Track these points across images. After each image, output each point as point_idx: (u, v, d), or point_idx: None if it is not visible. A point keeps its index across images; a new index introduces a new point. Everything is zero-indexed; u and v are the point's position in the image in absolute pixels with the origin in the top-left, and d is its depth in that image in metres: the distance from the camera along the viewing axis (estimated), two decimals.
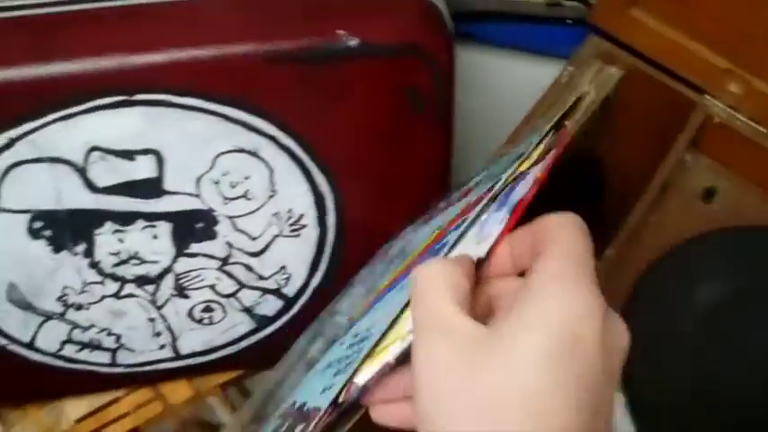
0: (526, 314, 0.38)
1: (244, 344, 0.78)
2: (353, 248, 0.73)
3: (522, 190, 0.46)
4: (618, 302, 0.70)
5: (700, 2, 0.70)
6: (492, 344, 0.37)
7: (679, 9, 0.72)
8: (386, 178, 0.72)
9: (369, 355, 0.45)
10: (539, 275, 0.39)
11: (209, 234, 0.69)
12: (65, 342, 0.72)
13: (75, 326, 0.71)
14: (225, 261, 0.71)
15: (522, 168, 0.50)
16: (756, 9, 0.69)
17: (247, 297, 0.74)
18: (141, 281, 0.70)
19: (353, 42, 0.63)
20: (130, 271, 0.69)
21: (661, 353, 0.68)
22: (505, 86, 0.84)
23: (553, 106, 0.71)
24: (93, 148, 0.62)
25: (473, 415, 0.36)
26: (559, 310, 0.38)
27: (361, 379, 0.44)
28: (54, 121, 0.60)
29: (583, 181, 0.78)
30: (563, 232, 0.41)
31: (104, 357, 0.74)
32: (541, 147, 0.51)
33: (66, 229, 0.65)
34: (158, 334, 0.74)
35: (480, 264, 0.44)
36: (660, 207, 0.74)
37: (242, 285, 0.73)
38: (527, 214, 0.45)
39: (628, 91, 0.74)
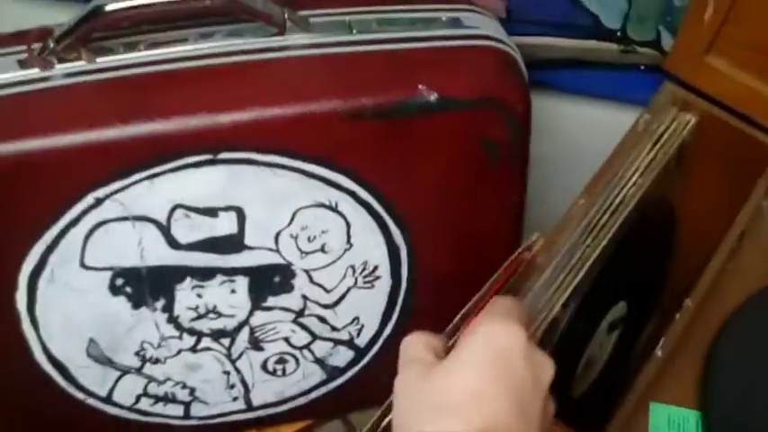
0: (465, 342, 0.47)
1: (314, 394, 0.77)
2: (425, 298, 0.73)
3: None
4: (700, 352, 0.69)
5: None
6: (444, 364, 0.47)
7: (754, 54, 0.71)
8: (459, 229, 0.71)
9: None
10: (476, 320, 0.49)
11: (286, 287, 0.68)
12: (140, 396, 0.72)
13: (152, 379, 0.71)
14: (300, 313, 0.70)
15: None
16: None
17: (320, 348, 0.74)
18: (217, 334, 0.70)
19: (433, 97, 0.63)
20: (207, 325, 0.69)
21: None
22: (580, 133, 0.83)
23: (630, 153, 0.70)
24: (177, 206, 0.62)
25: (431, 413, 0.45)
26: (490, 333, 0.47)
27: None
28: (140, 180, 0.60)
29: (655, 234, 0.77)
30: (497, 299, 0.53)
31: (178, 410, 0.74)
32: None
33: (146, 285, 0.65)
34: (232, 386, 0.73)
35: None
36: (738, 255, 0.73)
37: (315, 337, 0.73)
38: None
39: (703, 138, 0.73)
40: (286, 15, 0.64)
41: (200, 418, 0.75)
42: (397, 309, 0.73)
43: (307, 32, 0.64)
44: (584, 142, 0.78)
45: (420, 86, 0.63)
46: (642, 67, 0.79)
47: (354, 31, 0.65)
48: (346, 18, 0.67)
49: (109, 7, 0.59)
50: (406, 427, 0.46)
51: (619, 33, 0.78)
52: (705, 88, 0.74)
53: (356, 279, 0.70)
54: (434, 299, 0.68)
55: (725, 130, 0.74)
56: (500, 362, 0.46)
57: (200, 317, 0.68)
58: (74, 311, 0.65)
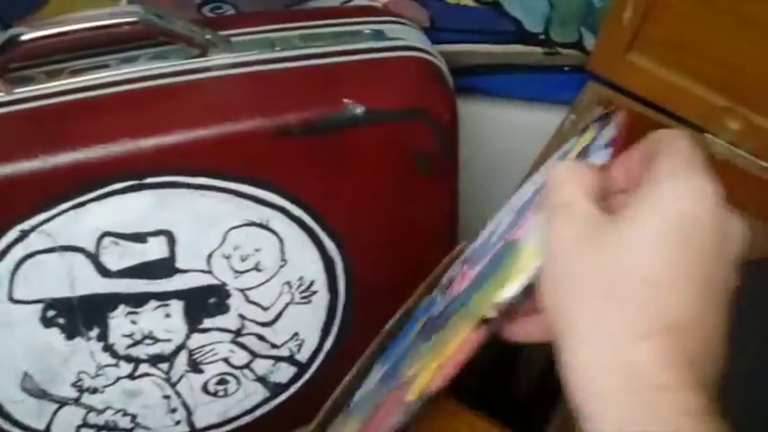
0: (643, 202, 0.40)
1: (258, 412, 0.77)
2: (363, 310, 0.73)
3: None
4: None
5: (695, 43, 0.71)
6: (615, 225, 0.40)
7: (675, 52, 0.72)
8: (393, 239, 0.71)
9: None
10: (653, 174, 0.41)
11: (222, 308, 0.68)
12: (80, 426, 0.71)
13: (91, 409, 0.70)
14: (238, 333, 0.70)
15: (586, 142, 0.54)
16: (749, 47, 0.69)
17: (261, 366, 0.73)
18: (155, 360, 0.69)
19: (359, 110, 0.63)
20: (144, 351, 0.68)
21: None
22: (509, 136, 0.84)
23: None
24: (105, 234, 0.61)
25: (601, 291, 0.39)
26: (674, 194, 0.40)
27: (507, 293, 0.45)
28: (66, 210, 0.59)
29: None
30: (673, 140, 0.43)
31: None
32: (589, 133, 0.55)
33: (79, 315, 0.64)
34: (173, 410, 0.72)
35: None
36: None
37: (255, 355, 0.72)
38: None
39: (629, 135, 0.74)
40: (208, 36, 0.63)
41: None
42: (337, 322, 0.73)
43: (229, 52, 0.64)
44: (514, 145, 0.79)
45: (345, 100, 0.63)
46: (567, 69, 0.80)
47: (278, 48, 0.65)
48: (269, 36, 0.67)
49: (25, 36, 0.58)
50: (566, 303, 0.40)
51: (542, 36, 0.79)
52: (628, 86, 0.75)
53: (293, 295, 0.70)
54: (373, 310, 0.67)
55: (650, 127, 0.75)
56: (690, 235, 0.39)
57: (136, 343, 0.67)
58: (4, 346, 0.64)
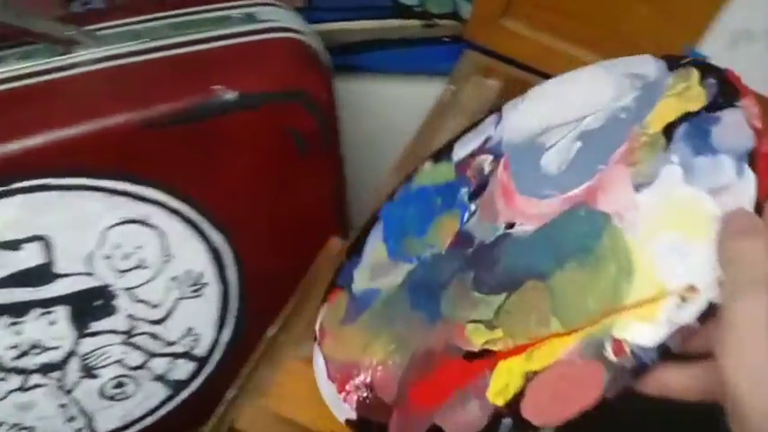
0: None
1: (162, 412, 0.75)
2: (258, 298, 0.72)
3: (743, 139, 0.45)
4: None
5: (566, 5, 0.71)
6: None
7: (547, 14, 0.72)
8: (280, 224, 0.71)
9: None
10: None
11: (109, 310, 0.66)
12: None
13: None
14: (129, 334, 0.68)
15: (691, 108, 0.48)
16: (619, 6, 0.70)
17: (158, 365, 0.72)
18: (46, 369, 0.67)
19: (231, 96, 0.62)
20: (33, 361, 0.66)
21: None
22: (393, 111, 0.83)
23: (438, 125, 0.70)
24: None
25: None
26: None
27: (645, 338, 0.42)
28: None
29: None
30: None
31: None
32: (697, 90, 0.49)
33: None
34: (72, 419, 0.71)
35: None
36: None
37: (150, 355, 0.71)
38: None
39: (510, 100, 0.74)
40: (71, 32, 0.62)
41: None
42: (232, 313, 0.72)
43: (95, 47, 0.62)
44: (398, 120, 0.78)
45: (215, 87, 0.62)
46: (446, 39, 0.80)
47: (145, 39, 0.64)
48: (136, 27, 0.65)
49: None
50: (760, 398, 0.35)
51: (418, 9, 0.78)
52: (505, 51, 0.75)
53: (182, 290, 0.68)
54: (268, 297, 0.67)
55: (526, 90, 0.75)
56: None
57: (23, 354, 0.65)
58: None
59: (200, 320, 0.71)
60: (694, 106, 0.48)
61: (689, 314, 0.41)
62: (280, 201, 0.69)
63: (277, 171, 0.67)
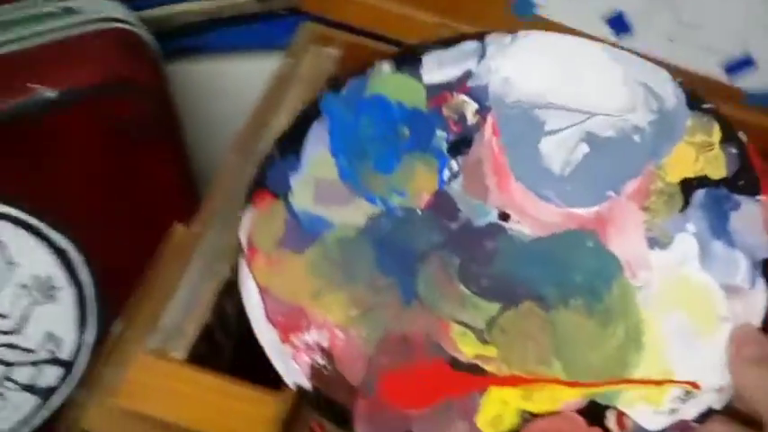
0: None
1: (36, 421, 0.74)
2: (117, 294, 0.70)
3: (760, 242, 0.46)
4: None
5: None
6: None
7: None
8: (126, 217, 0.69)
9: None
10: None
11: None
12: None
13: None
14: None
15: (709, 173, 0.48)
16: None
17: (22, 374, 0.70)
18: None
19: (51, 93, 0.60)
20: None
21: None
22: (238, 90, 0.81)
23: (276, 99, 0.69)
24: None
25: None
26: None
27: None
28: None
29: None
30: None
31: None
32: (717, 152, 0.49)
33: None
34: None
35: None
36: None
37: (11, 365, 0.69)
38: None
39: (351, 67, 0.74)
40: None
41: None
42: (92, 313, 0.71)
43: None
44: (243, 98, 0.77)
45: (33, 86, 0.60)
46: (282, 13, 0.79)
47: None
48: None
49: None
50: None
51: None
52: (342, 19, 0.74)
53: (33, 296, 0.67)
54: (127, 293, 0.66)
55: (370, 55, 0.74)
56: None
57: None
58: None
59: (59, 324, 0.70)
60: (713, 171, 0.48)
61: (691, 410, 0.42)
62: (121, 194, 0.67)
63: (113, 164, 0.66)
